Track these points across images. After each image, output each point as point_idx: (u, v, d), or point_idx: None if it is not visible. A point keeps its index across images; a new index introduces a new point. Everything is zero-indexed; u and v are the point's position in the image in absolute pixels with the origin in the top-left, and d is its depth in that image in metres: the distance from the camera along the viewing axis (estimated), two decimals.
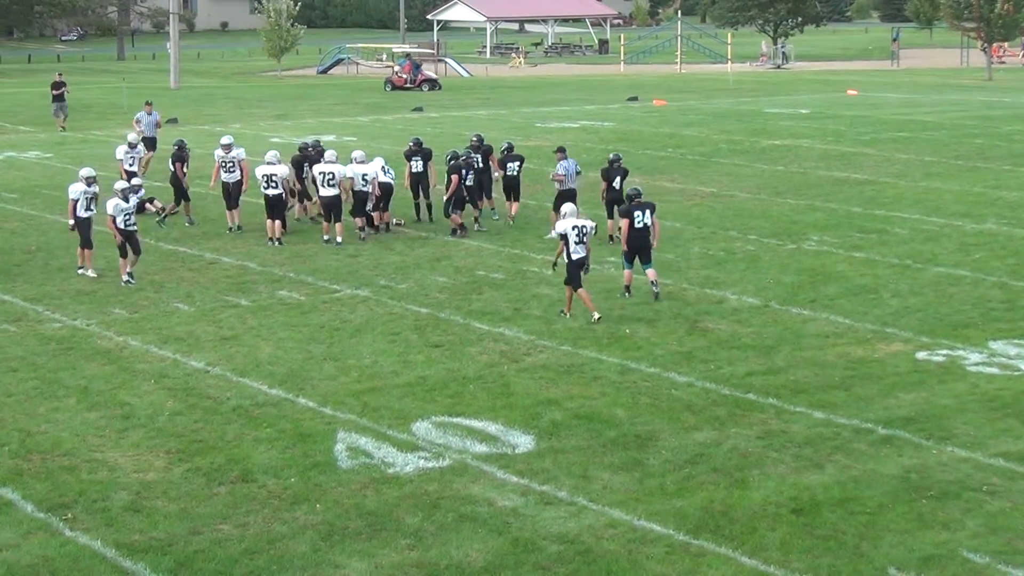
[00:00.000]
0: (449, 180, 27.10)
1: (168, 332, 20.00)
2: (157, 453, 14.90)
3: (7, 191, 33.55)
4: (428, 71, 74.74)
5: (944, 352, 18.80)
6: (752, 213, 30.01)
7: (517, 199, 28.48)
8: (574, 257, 20.44)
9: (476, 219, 27.87)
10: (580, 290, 20.59)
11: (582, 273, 20.53)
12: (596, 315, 20.42)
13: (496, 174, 28.70)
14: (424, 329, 20.09)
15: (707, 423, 15.85)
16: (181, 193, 28.65)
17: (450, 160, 27.69)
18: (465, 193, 27.26)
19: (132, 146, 30.59)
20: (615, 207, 25.44)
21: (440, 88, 71.54)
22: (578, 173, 27.23)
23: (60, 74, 51.57)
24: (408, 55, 77.71)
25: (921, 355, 18.67)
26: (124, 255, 22.81)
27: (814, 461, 14.60)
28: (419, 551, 12.39)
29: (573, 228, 20.50)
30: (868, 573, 11.97)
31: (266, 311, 21.27)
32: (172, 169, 28.67)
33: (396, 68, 74.05)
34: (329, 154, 26.87)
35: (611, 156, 26.80)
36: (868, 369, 18.01)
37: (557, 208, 26.54)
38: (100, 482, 14.02)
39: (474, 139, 29.00)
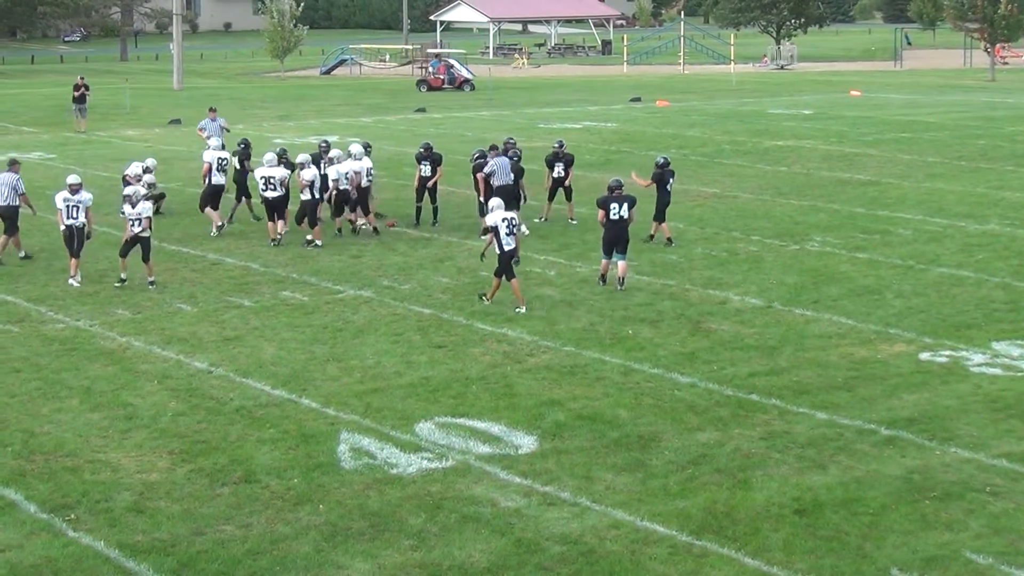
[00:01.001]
0: (475, 180, 27.24)
1: (171, 333, 20.02)
2: (160, 454, 14.91)
3: None
4: (460, 71, 74.46)
5: (947, 353, 18.80)
6: (755, 214, 30.01)
7: (569, 199, 28.65)
8: (505, 249, 20.93)
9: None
10: (513, 280, 21.14)
11: (513, 263, 21.12)
12: (523, 308, 20.98)
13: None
14: (427, 330, 20.10)
15: (710, 424, 15.85)
16: (243, 191, 28.92)
17: (477, 158, 27.70)
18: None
19: (150, 186, 30.42)
20: (665, 209, 26.02)
21: (474, 88, 71.57)
22: (513, 171, 27.31)
23: (82, 77, 50.82)
24: (439, 56, 77.69)
25: (924, 356, 18.67)
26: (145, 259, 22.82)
27: (817, 462, 14.60)
28: (422, 552, 12.39)
29: (503, 220, 21.02)
30: (871, 574, 11.97)
31: (269, 312, 21.28)
32: (237, 167, 29.01)
33: (431, 69, 73.83)
34: (302, 157, 26.67)
35: (661, 160, 26.39)
36: (871, 370, 18.01)
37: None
38: (103, 483, 14.03)
39: (509, 141, 28.90)
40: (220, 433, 15.57)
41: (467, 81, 72.44)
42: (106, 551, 12.38)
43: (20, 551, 12.41)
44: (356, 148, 28.23)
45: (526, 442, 15.22)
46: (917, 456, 14.78)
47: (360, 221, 27.54)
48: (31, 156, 41.00)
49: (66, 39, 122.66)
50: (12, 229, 25.22)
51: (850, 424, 15.82)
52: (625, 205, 22.31)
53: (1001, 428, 15.72)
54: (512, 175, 26.94)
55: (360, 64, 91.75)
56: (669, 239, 26.13)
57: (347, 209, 27.36)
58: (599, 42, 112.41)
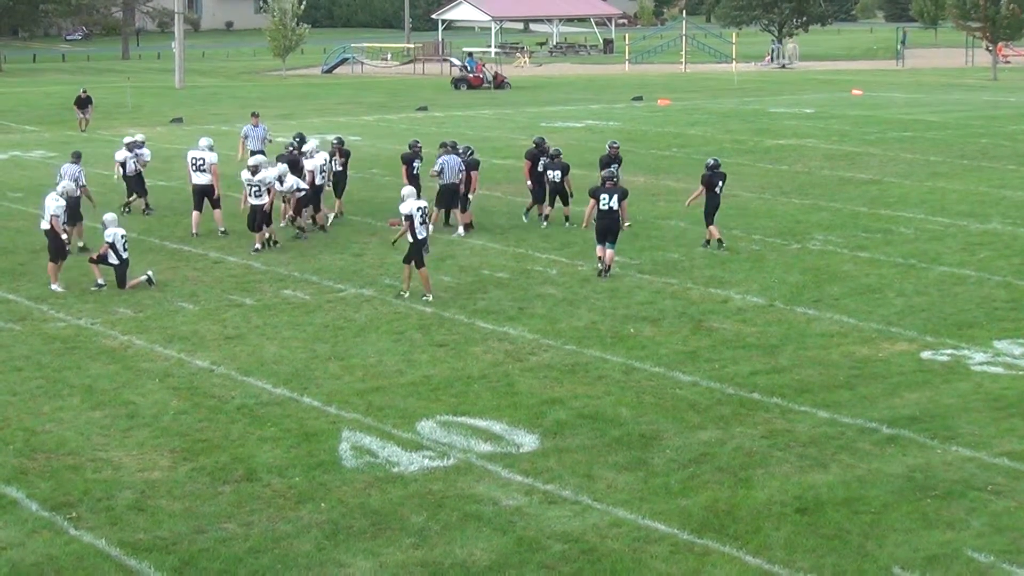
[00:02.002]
0: (469, 177, 27.27)
1: (173, 331, 20.02)
2: (161, 452, 14.91)
3: (12, 190, 33.59)
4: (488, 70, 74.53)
5: (949, 352, 18.79)
6: (757, 213, 30.00)
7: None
8: (419, 236, 21.44)
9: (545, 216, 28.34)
10: (422, 269, 21.67)
11: (424, 252, 21.73)
12: (430, 296, 21.57)
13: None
14: (429, 328, 20.10)
15: (711, 422, 15.85)
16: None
17: (470, 155, 27.73)
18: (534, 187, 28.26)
19: (135, 146, 30.02)
20: (715, 212, 25.68)
21: (511, 87, 71.96)
22: (461, 171, 27.35)
23: (85, 90, 50.17)
24: (471, 54, 77.73)
25: (926, 354, 18.66)
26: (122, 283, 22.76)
27: (819, 460, 14.60)
28: (423, 550, 12.39)
29: (417, 209, 21.49)
30: (873, 572, 11.97)
31: (271, 310, 21.28)
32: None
33: (468, 68, 73.72)
34: (257, 158, 26.26)
35: (710, 161, 26.06)
36: (873, 368, 18.01)
37: (439, 205, 27.26)
38: (104, 481, 14.03)
39: (547, 146, 28.85)
40: (222, 431, 15.58)
41: (505, 80, 72.57)
42: (107, 549, 12.39)
43: (22, 549, 12.42)
44: (309, 145, 28.00)
45: (527, 440, 15.22)
46: (919, 455, 14.78)
47: (307, 219, 27.38)
48: (33, 155, 41.06)
49: (68, 38, 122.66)
50: (75, 218, 25.36)
51: (852, 423, 15.82)
52: (615, 196, 22.92)
53: (1003, 427, 15.71)
54: (461, 176, 27.23)
55: (362, 63, 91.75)
56: (720, 240, 25.67)
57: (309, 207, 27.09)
58: (601, 41, 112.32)
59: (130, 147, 29.68)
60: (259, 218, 25.46)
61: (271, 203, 25.50)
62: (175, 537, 12.66)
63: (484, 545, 12.49)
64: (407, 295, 21.75)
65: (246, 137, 32.42)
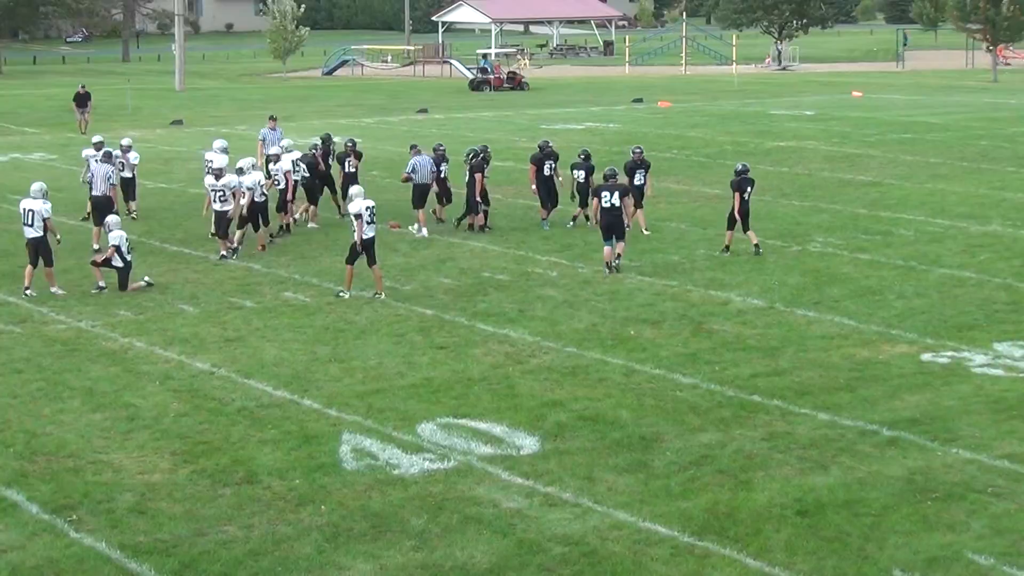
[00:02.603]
0: (472, 179, 27.30)
1: (173, 333, 20.02)
2: (162, 454, 14.91)
3: (12, 192, 33.55)
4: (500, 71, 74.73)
5: (949, 354, 18.79)
6: (757, 215, 29.84)
7: (640, 206, 27.55)
8: (365, 236, 21.63)
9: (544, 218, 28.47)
10: (350, 267, 21.94)
11: (359, 252, 21.87)
12: (348, 294, 21.92)
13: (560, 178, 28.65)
14: (429, 330, 20.10)
15: (712, 425, 15.85)
16: (329, 185, 29.18)
17: (471, 157, 27.75)
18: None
19: (102, 146, 29.25)
20: (747, 217, 25.30)
21: (529, 87, 72.28)
22: (433, 171, 27.61)
23: (83, 86, 50.04)
24: (486, 56, 77.83)
25: (926, 357, 18.66)
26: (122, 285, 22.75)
27: (819, 463, 14.60)
28: (424, 552, 12.39)
29: (366, 208, 21.67)
30: (873, 575, 11.97)
31: (271, 312, 21.28)
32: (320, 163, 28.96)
33: (488, 69, 73.82)
34: (244, 162, 26.09)
35: (739, 167, 25.62)
36: (873, 371, 18.01)
37: (415, 205, 27.43)
38: (105, 483, 14.03)
39: (552, 148, 28.88)
40: (222, 434, 15.58)
41: (524, 80, 72.79)
42: (108, 552, 12.39)
43: (22, 552, 12.42)
44: (275, 148, 27.91)
45: (528, 443, 15.22)
46: (919, 457, 14.78)
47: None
48: (32, 157, 41.06)
49: (68, 40, 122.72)
50: (103, 220, 25.21)
51: (852, 425, 15.81)
52: (617, 193, 23.52)
53: (1003, 429, 15.71)
54: (432, 175, 27.57)
55: (362, 65, 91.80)
56: (730, 243, 25.55)
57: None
58: (601, 43, 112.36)
59: (97, 146, 29.09)
60: (223, 224, 25.14)
61: (237, 208, 25.09)
62: (175, 540, 12.66)
63: (484, 548, 12.49)
64: (348, 295, 21.97)
65: (263, 140, 31.76)
